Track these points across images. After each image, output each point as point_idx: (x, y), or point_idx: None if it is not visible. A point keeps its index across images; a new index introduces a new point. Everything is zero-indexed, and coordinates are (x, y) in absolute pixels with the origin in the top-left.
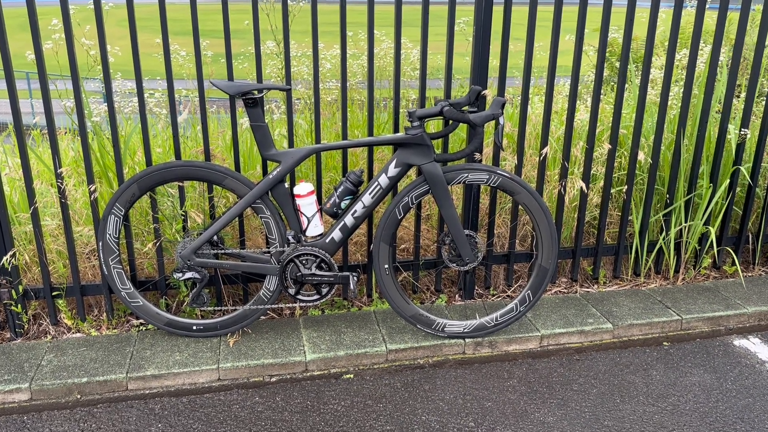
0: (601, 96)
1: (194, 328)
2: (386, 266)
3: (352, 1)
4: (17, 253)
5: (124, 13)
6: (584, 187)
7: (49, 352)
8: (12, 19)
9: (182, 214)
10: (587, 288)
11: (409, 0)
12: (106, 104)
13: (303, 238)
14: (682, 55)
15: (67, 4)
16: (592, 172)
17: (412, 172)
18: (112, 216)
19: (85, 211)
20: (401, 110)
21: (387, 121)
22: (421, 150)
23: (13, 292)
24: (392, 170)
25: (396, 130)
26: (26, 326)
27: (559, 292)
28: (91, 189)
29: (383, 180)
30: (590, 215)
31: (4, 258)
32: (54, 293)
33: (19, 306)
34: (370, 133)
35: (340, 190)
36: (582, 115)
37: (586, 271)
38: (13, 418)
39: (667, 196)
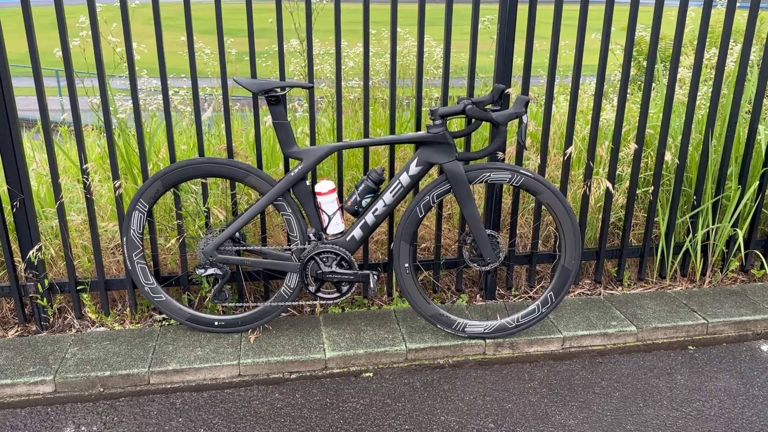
0: (628, 95)
1: (216, 323)
2: (407, 265)
3: None
4: (43, 248)
5: (149, 12)
6: (610, 188)
7: (73, 345)
8: (41, 17)
9: (205, 211)
10: (611, 290)
11: None
12: (131, 101)
13: (324, 236)
14: (711, 55)
15: (94, 2)
16: (617, 172)
17: (434, 171)
18: (137, 212)
19: (110, 206)
20: (423, 109)
21: (409, 119)
22: (443, 148)
23: (39, 285)
24: (414, 169)
25: (418, 128)
26: (51, 319)
27: (582, 293)
28: (116, 185)
29: (404, 178)
30: (615, 216)
31: (31, 252)
32: (79, 287)
33: (45, 299)
34: (392, 132)
35: (361, 188)
36: (608, 114)
37: (610, 272)
38: (37, 409)
39: (694, 197)
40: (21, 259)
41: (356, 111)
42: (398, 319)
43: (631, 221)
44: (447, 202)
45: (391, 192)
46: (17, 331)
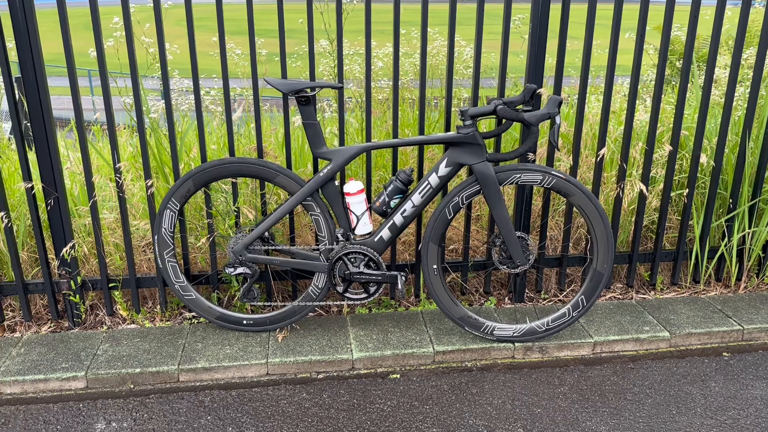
0: (662, 96)
1: (244, 322)
2: (435, 266)
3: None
4: (76, 245)
5: (182, 13)
6: (644, 190)
7: (104, 341)
8: (76, 18)
9: (235, 210)
10: (643, 294)
11: None
12: (163, 101)
13: (352, 237)
14: (748, 54)
15: (127, 3)
16: (651, 174)
17: (463, 172)
18: (168, 211)
19: (142, 205)
20: (453, 109)
21: (438, 120)
22: (473, 149)
23: (72, 282)
24: (443, 169)
25: (447, 129)
26: (83, 316)
27: (614, 297)
28: (148, 184)
29: (433, 179)
30: (648, 219)
31: (64, 249)
32: (110, 285)
33: (77, 296)
34: (421, 132)
35: (389, 188)
36: (641, 115)
37: (642, 276)
38: (69, 405)
39: (730, 200)
40: (54, 257)
41: (384, 111)
42: (425, 320)
43: (665, 224)
44: (476, 203)
45: (419, 193)
46: (50, 327)
